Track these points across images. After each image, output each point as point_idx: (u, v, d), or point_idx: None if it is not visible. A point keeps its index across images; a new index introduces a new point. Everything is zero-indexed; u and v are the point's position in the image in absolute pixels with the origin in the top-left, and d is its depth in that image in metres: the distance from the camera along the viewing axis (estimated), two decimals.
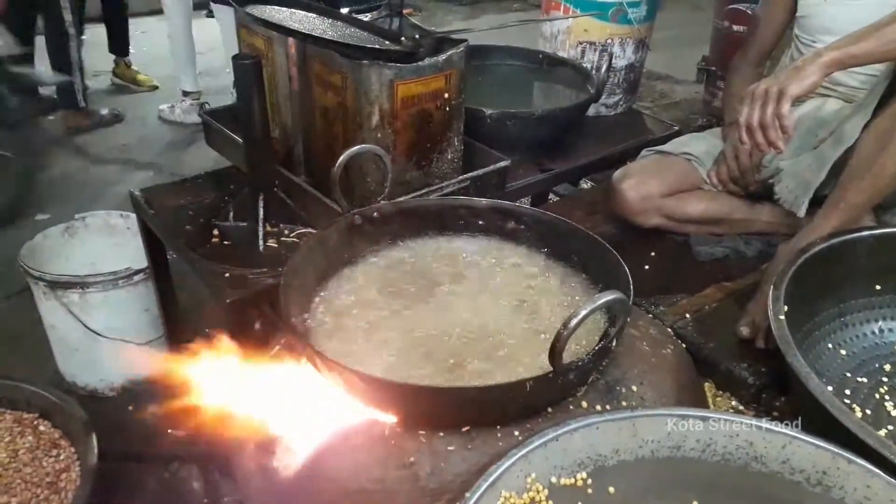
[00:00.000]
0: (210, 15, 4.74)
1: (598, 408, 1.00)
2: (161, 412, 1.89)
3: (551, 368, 0.90)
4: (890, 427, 1.12)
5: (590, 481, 0.89)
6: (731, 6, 3.06)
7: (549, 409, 0.99)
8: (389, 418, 0.97)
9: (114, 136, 3.44)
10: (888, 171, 1.29)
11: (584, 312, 0.86)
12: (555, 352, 0.88)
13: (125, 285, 1.83)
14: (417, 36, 1.49)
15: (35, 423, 1.56)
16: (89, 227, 2.02)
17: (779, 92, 1.25)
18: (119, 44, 4.05)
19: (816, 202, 1.47)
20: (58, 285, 1.80)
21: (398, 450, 0.95)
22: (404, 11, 1.63)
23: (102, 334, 1.85)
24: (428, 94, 1.39)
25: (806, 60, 1.26)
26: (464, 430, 0.95)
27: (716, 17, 3.21)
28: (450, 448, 0.94)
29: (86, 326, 1.83)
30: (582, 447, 0.89)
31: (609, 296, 0.89)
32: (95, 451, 1.44)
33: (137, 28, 4.51)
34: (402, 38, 1.46)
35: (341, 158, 1.20)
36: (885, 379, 1.21)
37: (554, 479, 0.87)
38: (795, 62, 1.29)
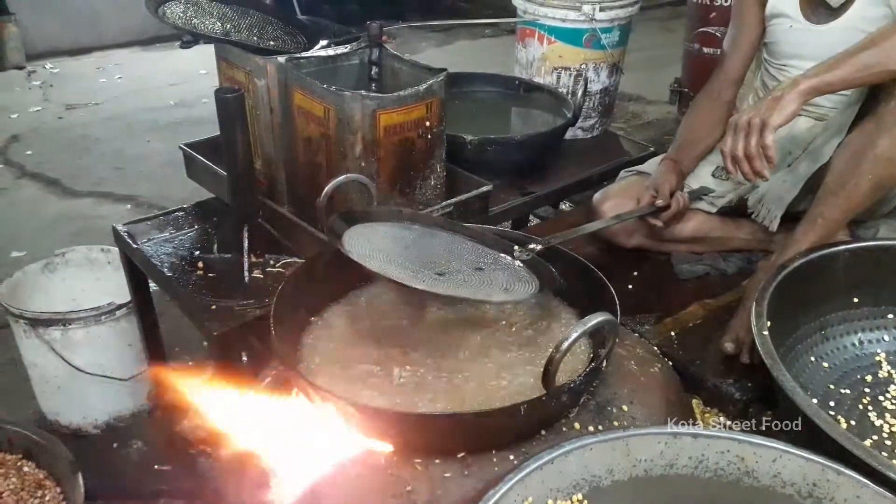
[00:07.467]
0: (184, 46, 4.76)
1: (591, 428, 1.02)
2: (147, 448, 1.87)
3: (544, 391, 0.92)
4: (874, 437, 1.14)
5: (585, 502, 0.89)
6: (701, 29, 3.14)
7: (543, 432, 1.00)
8: (385, 447, 0.97)
9: (90, 169, 3.41)
10: (862, 187, 1.32)
11: (574, 335, 0.88)
12: (548, 374, 0.89)
13: (107, 321, 1.81)
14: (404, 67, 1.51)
15: (19, 464, 1.52)
16: (69, 262, 2.00)
17: (761, 123, 1.29)
18: None
19: (791, 218, 1.50)
20: (39, 322, 1.77)
21: (394, 479, 0.95)
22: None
23: (85, 371, 1.82)
24: (410, 122, 1.41)
25: (784, 90, 1.30)
26: (459, 456, 0.96)
27: (686, 40, 3.29)
28: (446, 475, 0.94)
29: (68, 363, 1.80)
30: (577, 469, 0.89)
31: (599, 317, 0.90)
32: (82, 490, 1.41)
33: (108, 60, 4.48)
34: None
35: (327, 188, 1.21)
36: (867, 390, 1.23)
37: (550, 502, 0.87)
38: (773, 92, 1.32)
